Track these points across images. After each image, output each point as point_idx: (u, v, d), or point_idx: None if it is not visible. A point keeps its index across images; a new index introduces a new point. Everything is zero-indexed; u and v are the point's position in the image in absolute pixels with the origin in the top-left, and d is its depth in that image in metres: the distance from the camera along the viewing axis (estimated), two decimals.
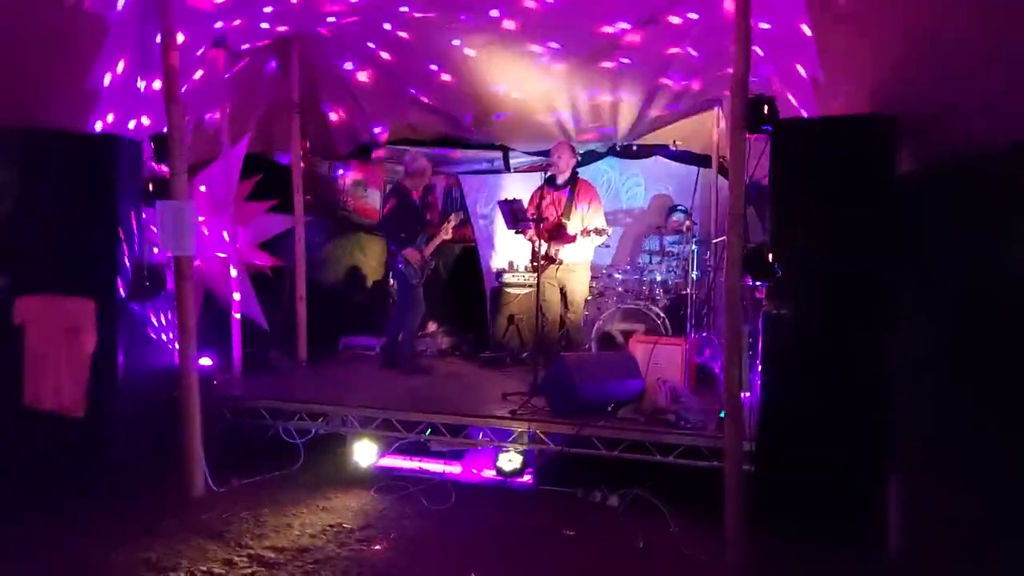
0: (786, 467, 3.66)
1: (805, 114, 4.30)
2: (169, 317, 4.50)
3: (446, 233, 6.00)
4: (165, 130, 4.07)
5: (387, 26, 5.35)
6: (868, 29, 3.66)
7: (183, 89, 4.17)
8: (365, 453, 4.66)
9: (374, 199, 7.50)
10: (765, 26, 4.26)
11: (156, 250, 4.39)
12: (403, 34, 5.42)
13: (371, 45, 5.68)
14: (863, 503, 3.52)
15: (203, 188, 5.41)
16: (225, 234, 5.43)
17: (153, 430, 4.28)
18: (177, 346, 4.25)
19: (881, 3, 3.41)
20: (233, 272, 5.49)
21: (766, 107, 3.54)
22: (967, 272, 3.68)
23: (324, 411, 4.72)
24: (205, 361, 4.81)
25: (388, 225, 5.94)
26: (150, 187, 4.17)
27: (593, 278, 6.43)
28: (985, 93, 3.32)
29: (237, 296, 5.52)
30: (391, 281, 7.07)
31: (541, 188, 5.54)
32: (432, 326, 7.08)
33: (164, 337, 4.56)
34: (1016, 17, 2.71)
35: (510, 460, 4.44)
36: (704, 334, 6.12)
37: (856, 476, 3.55)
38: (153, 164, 4.27)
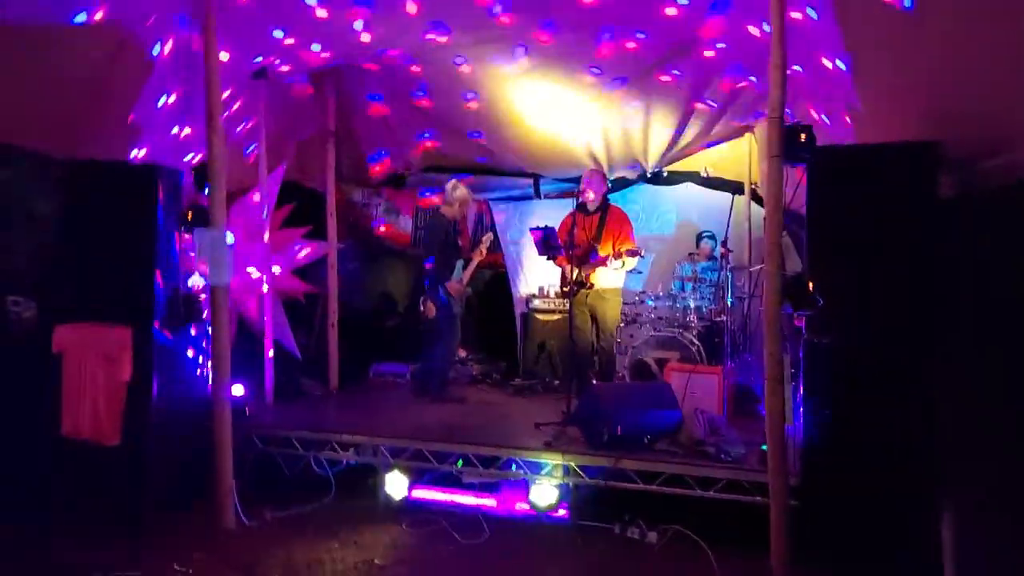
0: (833, 503, 3.54)
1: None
2: (204, 345, 4.53)
3: (480, 255, 6.00)
4: (204, 159, 4.14)
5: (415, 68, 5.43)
6: (908, 57, 3.60)
7: (223, 118, 4.23)
8: (396, 485, 4.61)
9: (406, 225, 7.55)
10: (797, 68, 4.22)
11: (194, 279, 4.43)
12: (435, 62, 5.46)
13: (413, 69, 5.71)
14: (915, 540, 3.38)
15: (239, 217, 5.48)
16: (253, 269, 5.47)
17: (187, 460, 4.29)
18: (210, 375, 4.26)
19: (921, 32, 3.35)
20: (266, 299, 5.53)
21: (803, 135, 3.48)
22: (1015, 295, 3.56)
23: (355, 441, 4.69)
24: (237, 390, 4.82)
25: (428, 253, 5.94)
26: (189, 216, 4.23)
27: (625, 304, 6.35)
28: None
29: (267, 323, 5.55)
30: (423, 307, 7.08)
31: (572, 214, 5.51)
32: (462, 353, 7.06)
33: (198, 366, 4.59)
34: None
35: (543, 494, 4.34)
36: (748, 356, 6.00)
37: (907, 512, 3.41)
38: (192, 193, 4.34)
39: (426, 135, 6.58)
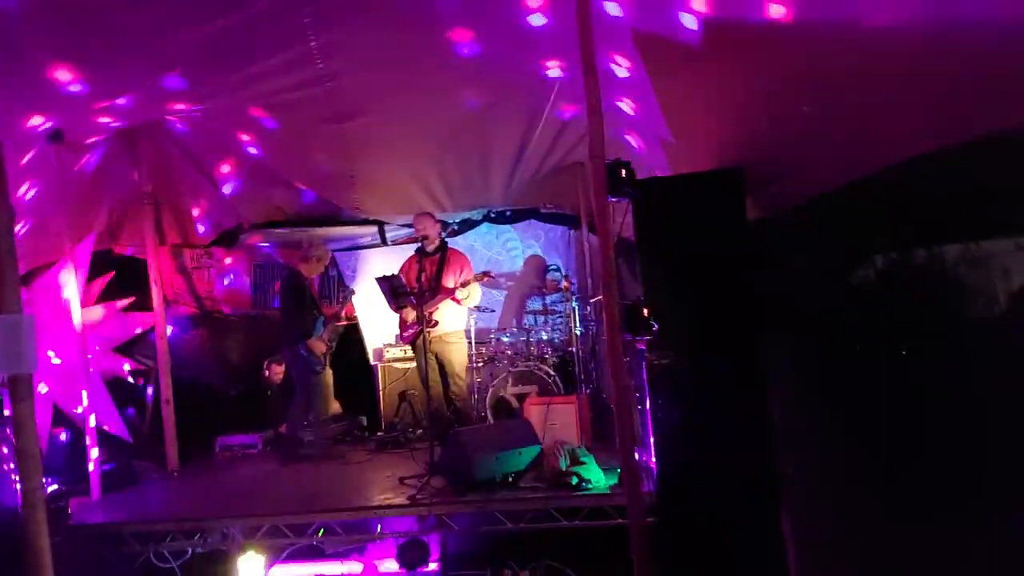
0: (687, 516, 3.68)
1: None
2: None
3: (338, 311, 5.95)
4: None
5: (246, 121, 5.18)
6: (709, 92, 3.95)
7: (18, 193, 3.80)
8: (252, 568, 4.25)
9: (244, 286, 7.14)
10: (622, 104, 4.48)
11: None
12: (262, 116, 5.24)
13: (243, 135, 5.43)
14: (761, 547, 3.58)
15: (42, 295, 4.93)
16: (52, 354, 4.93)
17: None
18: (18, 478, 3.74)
19: (721, 70, 3.68)
20: (82, 382, 4.98)
21: (623, 171, 3.69)
22: (819, 300, 3.96)
23: (201, 526, 4.28)
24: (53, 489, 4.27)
25: (287, 314, 5.72)
26: None
27: (481, 344, 6.36)
28: (818, 147, 3.65)
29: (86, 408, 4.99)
30: (267, 372, 6.74)
31: (417, 259, 5.47)
32: (338, 408, 6.73)
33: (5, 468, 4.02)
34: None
35: (412, 551, 4.19)
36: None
37: (751, 520, 3.61)
38: None
39: (256, 189, 6.29)
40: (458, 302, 5.66)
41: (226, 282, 6.97)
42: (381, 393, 7.06)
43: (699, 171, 3.85)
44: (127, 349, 5.83)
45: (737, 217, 3.77)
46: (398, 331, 6.13)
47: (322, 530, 4.26)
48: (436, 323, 5.59)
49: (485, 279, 5.67)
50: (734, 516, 3.60)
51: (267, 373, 6.76)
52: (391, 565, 4.31)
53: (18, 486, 3.77)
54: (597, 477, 4.20)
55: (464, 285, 5.63)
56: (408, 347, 6.22)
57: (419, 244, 5.66)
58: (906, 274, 3.57)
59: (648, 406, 3.87)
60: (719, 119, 3.91)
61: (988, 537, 2.88)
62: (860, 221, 3.79)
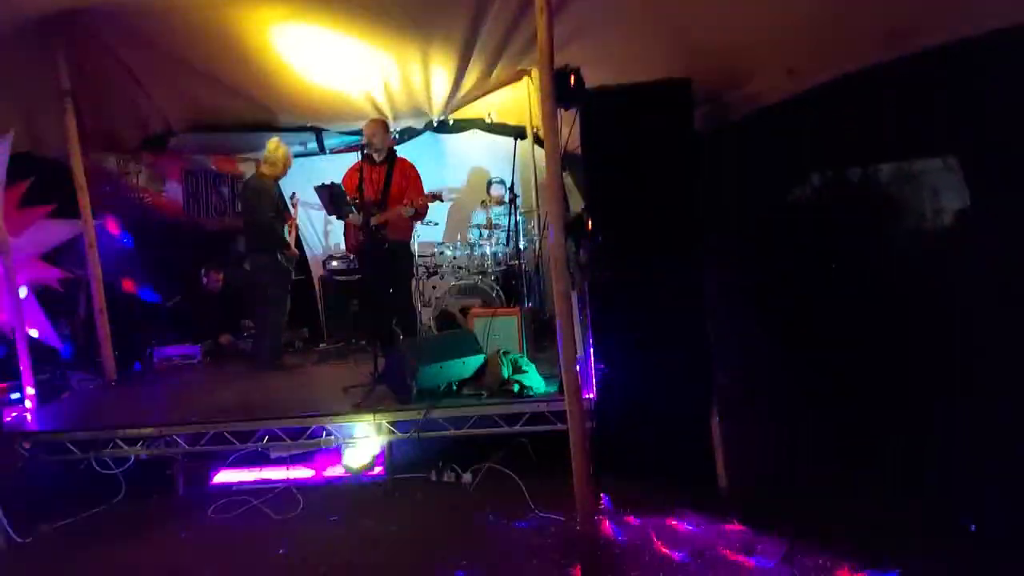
0: (623, 420, 3.87)
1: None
2: None
3: (294, 218, 5.90)
4: None
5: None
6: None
7: None
8: (198, 473, 4.30)
9: (174, 193, 6.85)
10: None
11: None
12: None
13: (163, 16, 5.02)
14: (693, 447, 3.81)
15: None
16: None
17: None
18: None
19: None
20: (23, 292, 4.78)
21: (572, 78, 3.63)
22: (758, 214, 4.09)
23: (143, 434, 4.26)
24: None
25: (263, 220, 5.55)
26: None
27: (425, 256, 6.34)
28: (764, 59, 3.66)
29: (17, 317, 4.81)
30: (205, 279, 6.58)
31: (359, 167, 5.33)
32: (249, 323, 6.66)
33: None
34: None
35: (357, 456, 4.30)
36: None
37: (685, 422, 3.83)
38: None
39: (185, 90, 5.94)
40: (410, 219, 5.58)
41: (157, 189, 6.67)
42: (324, 306, 7.02)
43: (648, 81, 3.82)
44: (54, 258, 5.58)
45: (684, 129, 3.80)
46: (343, 240, 6.03)
47: (267, 437, 4.30)
48: (386, 238, 5.48)
49: (435, 201, 5.58)
50: (670, 421, 3.80)
51: (205, 280, 6.59)
52: (337, 469, 4.42)
53: None
54: (538, 384, 4.34)
55: (419, 211, 5.52)
56: (353, 256, 6.15)
57: (363, 152, 5.47)
58: (841, 192, 3.70)
59: (589, 316, 3.98)
60: (668, 26, 3.86)
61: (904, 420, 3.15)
62: (799, 137, 3.88)
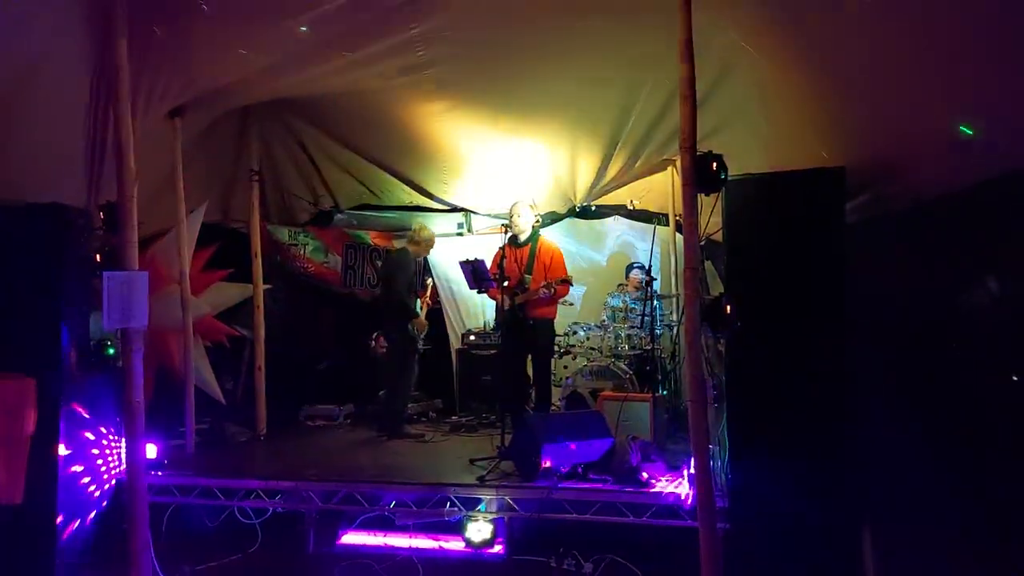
0: (761, 524, 3.57)
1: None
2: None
3: (427, 295, 6.37)
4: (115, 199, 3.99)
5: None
6: (812, 85, 3.81)
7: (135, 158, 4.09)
8: (327, 531, 4.44)
9: (335, 263, 7.43)
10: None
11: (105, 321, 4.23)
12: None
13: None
14: (840, 558, 3.43)
15: (158, 257, 5.30)
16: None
17: (99, 516, 4.04)
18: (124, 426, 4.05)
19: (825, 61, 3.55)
20: (187, 343, 5.32)
21: (715, 164, 3.60)
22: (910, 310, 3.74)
23: (282, 487, 4.50)
24: (151, 451, 4.55)
25: (398, 292, 6.00)
26: (98, 258, 4.05)
27: (559, 336, 6.36)
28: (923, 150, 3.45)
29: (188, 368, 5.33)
30: (374, 343, 7.00)
31: (503, 247, 5.53)
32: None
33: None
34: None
35: (479, 530, 4.26)
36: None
37: (831, 531, 3.47)
38: (102, 233, 4.17)
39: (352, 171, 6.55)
40: (551, 298, 5.67)
41: (319, 260, 7.27)
42: (459, 379, 7.19)
43: (797, 168, 3.71)
44: (226, 317, 6.17)
45: (835, 219, 3.62)
46: (493, 317, 6.29)
47: (394, 502, 4.39)
48: (528, 317, 5.60)
49: (568, 286, 5.67)
50: (813, 531, 3.47)
51: (374, 344, 7.01)
52: (458, 544, 4.39)
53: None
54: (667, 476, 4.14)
55: (557, 292, 5.61)
56: (497, 335, 6.36)
57: (507, 234, 5.68)
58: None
59: (725, 409, 3.78)
60: (822, 112, 3.76)
61: None
62: (970, 233, 3.57)
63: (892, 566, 3.29)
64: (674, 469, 4.25)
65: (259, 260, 6.18)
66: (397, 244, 7.53)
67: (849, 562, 3.39)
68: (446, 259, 7.74)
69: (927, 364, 3.64)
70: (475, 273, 5.34)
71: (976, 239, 3.48)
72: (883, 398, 3.70)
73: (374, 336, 6.93)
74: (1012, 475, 3.00)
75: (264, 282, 6.23)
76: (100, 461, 4.40)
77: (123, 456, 4.46)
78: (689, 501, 3.86)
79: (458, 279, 7.49)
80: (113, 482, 4.48)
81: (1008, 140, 2.94)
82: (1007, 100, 2.79)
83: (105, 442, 4.45)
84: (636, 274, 6.81)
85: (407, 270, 6.08)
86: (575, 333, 6.42)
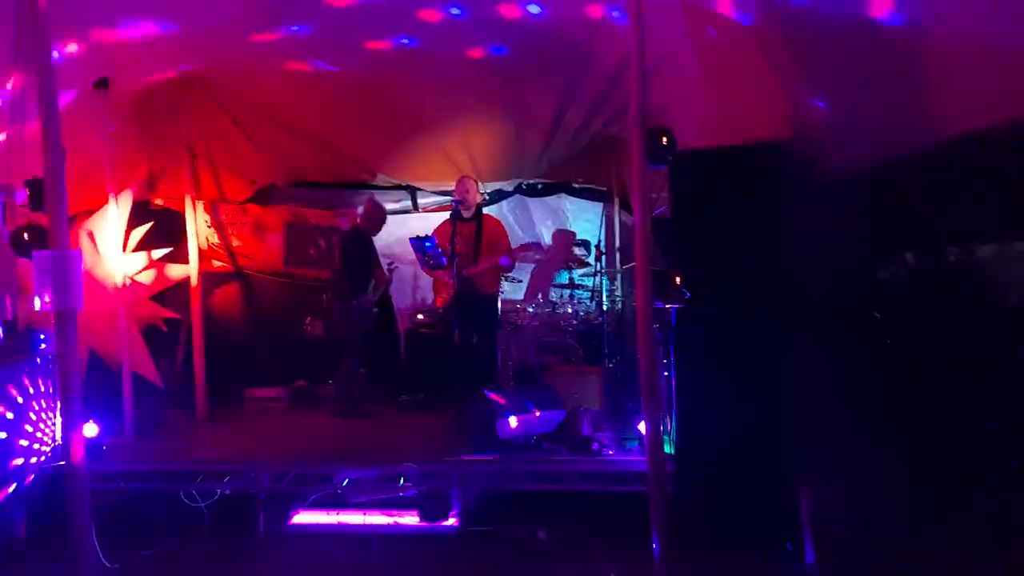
0: (705, 485, 3.72)
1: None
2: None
3: (383, 273, 6.25)
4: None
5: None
6: (751, 65, 3.92)
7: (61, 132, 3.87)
8: (277, 512, 4.37)
9: (275, 243, 7.23)
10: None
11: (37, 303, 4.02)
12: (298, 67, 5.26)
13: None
14: (780, 516, 3.61)
15: (88, 236, 5.05)
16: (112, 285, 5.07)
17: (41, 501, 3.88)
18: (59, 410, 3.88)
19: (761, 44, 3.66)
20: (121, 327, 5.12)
21: (664, 138, 3.67)
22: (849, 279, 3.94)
23: (229, 469, 4.40)
24: (91, 429, 4.40)
25: (351, 268, 5.89)
26: (24, 236, 3.82)
27: (508, 312, 6.41)
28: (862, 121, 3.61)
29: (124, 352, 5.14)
30: (308, 327, 6.88)
31: (449, 222, 5.51)
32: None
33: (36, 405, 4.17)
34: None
35: (433, 505, 4.27)
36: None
37: (772, 491, 3.64)
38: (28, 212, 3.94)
39: (291, 149, 6.37)
40: (504, 268, 5.71)
41: (260, 239, 7.06)
42: (407, 357, 7.14)
43: (738, 143, 3.83)
44: (160, 299, 5.95)
45: (773, 192, 3.77)
46: (432, 294, 6.24)
47: (346, 480, 4.35)
48: (475, 292, 5.63)
49: (530, 252, 5.73)
50: (754, 487, 3.63)
51: (309, 328, 6.89)
52: (412, 519, 4.40)
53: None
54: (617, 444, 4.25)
55: (513, 259, 5.66)
56: (440, 310, 6.32)
57: (453, 210, 5.67)
58: (935, 274, 3.55)
59: (673, 376, 3.90)
60: (762, 89, 3.88)
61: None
62: (893, 206, 3.77)
63: (826, 514, 3.49)
64: (624, 438, 4.37)
65: (195, 240, 5.96)
66: (341, 222, 7.40)
67: (789, 523, 3.56)
68: (393, 237, 7.66)
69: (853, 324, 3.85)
70: (425, 250, 5.30)
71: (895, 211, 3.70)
72: (819, 359, 3.89)
73: (307, 320, 6.87)
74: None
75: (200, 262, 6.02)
76: (30, 428, 4.19)
77: (57, 434, 4.28)
78: (638, 467, 3.97)
79: (404, 257, 7.44)
80: (43, 458, 4.27)
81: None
82: None
83: (34, 416, 4.23)
84: (581, 251, 6.92)
85: (363, 246, 5.98)
86: (524, 310, 6.46)
